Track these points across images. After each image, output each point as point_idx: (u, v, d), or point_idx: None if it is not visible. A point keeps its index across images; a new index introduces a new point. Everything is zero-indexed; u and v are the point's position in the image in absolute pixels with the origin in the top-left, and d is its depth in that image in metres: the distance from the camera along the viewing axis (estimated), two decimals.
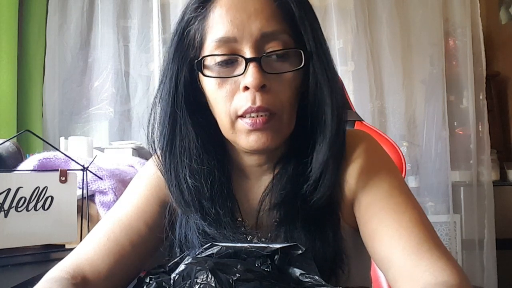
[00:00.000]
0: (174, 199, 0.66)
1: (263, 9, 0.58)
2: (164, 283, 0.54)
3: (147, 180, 0.71)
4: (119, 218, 0.68)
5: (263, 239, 0.65)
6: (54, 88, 2.00)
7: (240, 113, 0.59)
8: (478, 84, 2.42)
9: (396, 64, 2.30)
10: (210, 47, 0.59)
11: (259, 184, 0.68)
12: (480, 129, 2.41)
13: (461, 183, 2.37)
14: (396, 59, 2.30)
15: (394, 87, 2.30)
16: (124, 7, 2.11)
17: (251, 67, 0.57)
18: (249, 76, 0.57)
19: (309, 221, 0.62)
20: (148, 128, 0.65)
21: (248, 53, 0.58)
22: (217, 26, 0.59)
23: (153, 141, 0.65)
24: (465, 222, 2.33)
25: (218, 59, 0.59)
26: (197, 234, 0.64)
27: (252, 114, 0.58)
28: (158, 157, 0.67)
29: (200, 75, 0.62)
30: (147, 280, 0.57)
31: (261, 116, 0.58)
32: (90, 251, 0.65)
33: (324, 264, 0.59)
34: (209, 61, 0.60)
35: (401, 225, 0.58)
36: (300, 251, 0.53)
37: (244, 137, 0.60)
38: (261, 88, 0.57)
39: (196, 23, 0.61)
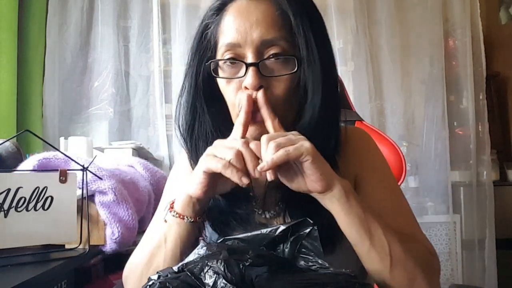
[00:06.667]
0: None
1: (264, 18, 0.67)
2: (168, 283, 0.53)
3: (182, 177, 0.80)
4: None
5: (272, 212, 0.73)
6: (54, 88, 2.00)
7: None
8: (478, 84, 2.42)
9: (396, 64, 2.30)
10: (221, 50, 0.71)
11: None
12: (480, 129, 2.41)
13: (461, 183, 2.37)
14: (396, 59, 2.30)
15: (394, 87, 2.30)
16: (124, 7, 2.11)
17: (250, 70, 0.67)
18: (248, 78, 0.67)
19: (306, 201, 0.67)
20: (175, 115, 0.76)
21: (250, 57, 0.68)
22: (226, 32, 0.70)
23: (179, 126, 0.76)
24: (465, 222, 2.33)
25: (227, 61, 0.70)
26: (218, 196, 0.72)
27: None
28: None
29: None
30: (154, 278, 0.56)
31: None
32: None
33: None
34: (220, 62, 0.72)
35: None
36: (309, 229, 0.58)
37: None
38: (259, 88, 0.67)
39: (212, 27, 0.73)
